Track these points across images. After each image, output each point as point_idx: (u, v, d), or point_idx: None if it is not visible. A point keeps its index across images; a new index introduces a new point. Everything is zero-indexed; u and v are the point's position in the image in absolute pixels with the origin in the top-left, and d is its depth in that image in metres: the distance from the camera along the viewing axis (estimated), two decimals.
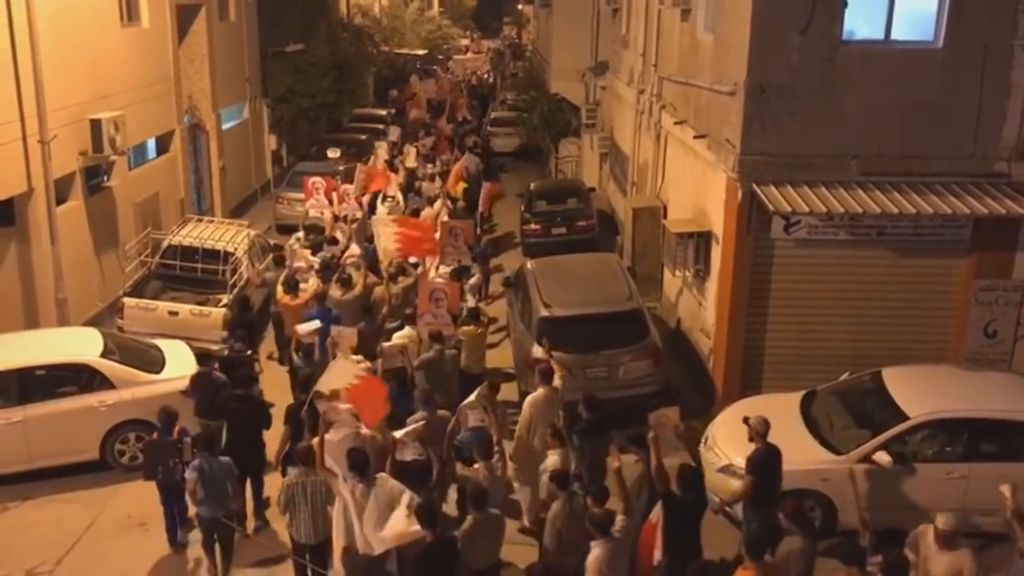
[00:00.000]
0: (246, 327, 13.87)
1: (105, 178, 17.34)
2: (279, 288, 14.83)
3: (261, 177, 26.31)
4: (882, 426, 10.31)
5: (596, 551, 7.96)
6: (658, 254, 16.92)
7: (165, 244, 16.32)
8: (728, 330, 12.77)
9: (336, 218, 18.91)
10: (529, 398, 10.80)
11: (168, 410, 10.49)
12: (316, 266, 15.50)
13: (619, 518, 8.22)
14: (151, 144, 20.16)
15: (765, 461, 9.41)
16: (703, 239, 13.89)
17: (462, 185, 21.67)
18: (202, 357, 12.75)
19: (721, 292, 13.03)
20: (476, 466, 9.61)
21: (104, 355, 12.19)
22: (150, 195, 19.31)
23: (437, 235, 16.40)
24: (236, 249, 16.20)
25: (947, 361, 12.39)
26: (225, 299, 15.15)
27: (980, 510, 9.58)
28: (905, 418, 10.23)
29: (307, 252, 16.45)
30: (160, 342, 13.48)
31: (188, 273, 15.78)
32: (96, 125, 15.86)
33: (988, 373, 11.69)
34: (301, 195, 21.17)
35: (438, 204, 19.69)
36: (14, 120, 14.04)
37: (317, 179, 20.46)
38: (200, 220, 17.80)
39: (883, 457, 10.02)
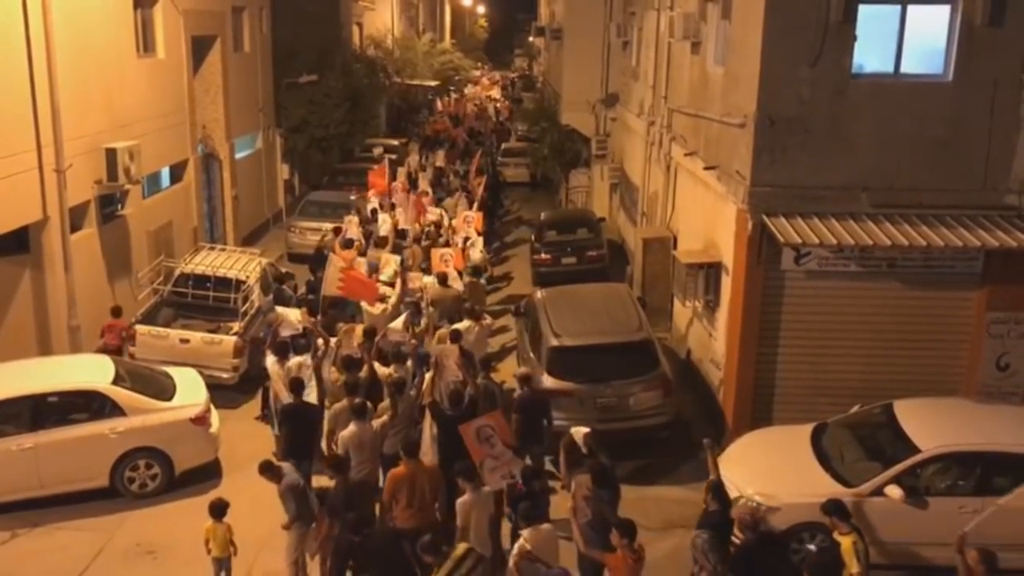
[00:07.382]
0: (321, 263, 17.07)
1: (119, 206, 17.49)
2: (336, 246, 18.11)
3: (273, 206, 26.48)
4: (893, 459, 10.25)
5: (350, 428, 10.47)
6: (668, 284, 16.94)
7: (177, 272, 16.41)
8: (738, 361, 12.73)
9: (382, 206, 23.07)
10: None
11: (271, 322, 14.42)
12: (361, 232, 19.96)
13: (385, 416, 10.85)
14: (165, 173, 20.32)
15: (528, 403, 11.53)
16: (713, 270, 13.89)
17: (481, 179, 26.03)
18: (277, 273, 16.44)
19: (731, 323, 13.02)
20: (391, 368, 12.19)
21: (115, 382, 12.23)
22: (163, 223, 19.45)
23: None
24: (248, 277, 16.28)
25: (959, 394, 12.33)
26: (236, 327, 15.23)
27: (996, 545, 9.43)
28: (916, 451, 10.17)
29: (355, 221, 20.68)
30: (171, 370, 13.54)
31: (200, 301, 15.86)
32: (111, 154, 15.99)
33: (1000, 406, 11.60)
34: (313, 224, 22.86)
35: (458, 195, 24.14)
36: (31, 149, 14.19)
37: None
38: (212, 248, 17.93)
39: (895, 491, 9.94)
